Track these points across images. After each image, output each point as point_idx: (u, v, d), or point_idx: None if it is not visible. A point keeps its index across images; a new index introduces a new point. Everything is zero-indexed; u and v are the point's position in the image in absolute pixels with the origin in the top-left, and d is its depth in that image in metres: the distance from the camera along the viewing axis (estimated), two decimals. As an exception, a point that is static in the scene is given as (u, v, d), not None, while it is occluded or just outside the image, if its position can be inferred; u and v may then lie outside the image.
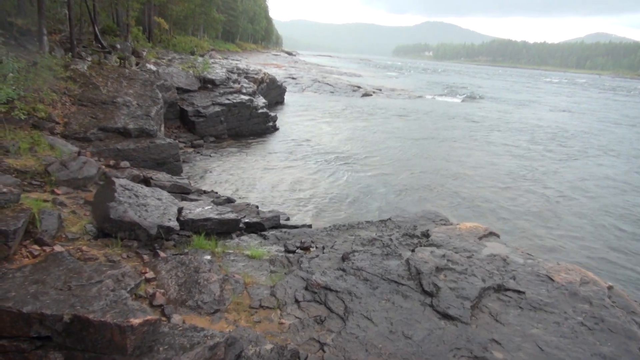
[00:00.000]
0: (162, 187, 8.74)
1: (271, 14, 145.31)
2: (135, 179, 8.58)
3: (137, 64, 19.41)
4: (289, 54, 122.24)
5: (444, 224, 7.12)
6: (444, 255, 5.68)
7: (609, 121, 36.45)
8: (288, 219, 9.80)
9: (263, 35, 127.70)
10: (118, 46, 21.07)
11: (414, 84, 62.39)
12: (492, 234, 6.69)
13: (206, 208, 7.45)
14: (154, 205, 6.47)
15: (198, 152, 15.35)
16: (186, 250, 5.99)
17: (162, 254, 5.62)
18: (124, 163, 9.30)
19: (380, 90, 45.30)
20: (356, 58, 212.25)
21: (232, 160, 15.10)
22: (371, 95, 40.72)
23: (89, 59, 16.99)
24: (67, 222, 5.88)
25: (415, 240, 6.41)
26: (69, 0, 16.89)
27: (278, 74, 37.27)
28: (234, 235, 7.36)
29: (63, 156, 8.37)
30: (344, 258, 5.77)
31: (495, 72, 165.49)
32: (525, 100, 50.68)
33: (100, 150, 9.84)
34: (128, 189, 6.53)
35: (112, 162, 9.34)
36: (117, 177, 8.18)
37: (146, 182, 8.73)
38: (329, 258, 5.89)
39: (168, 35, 41.25)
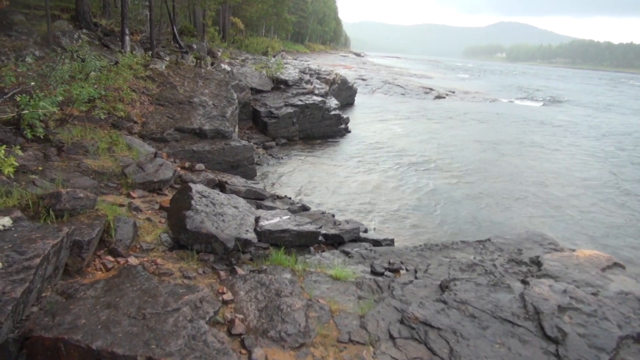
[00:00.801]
0: (237, 193, 8.35)
1: (340, 15, 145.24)
2: (210, 183, 8.25)
3: (212, 64, 19.51)
4: (357, 55, 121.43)
5: (554, 249, 6.15)
6: (565, 291, 4.77)
7: None
8: (366, 230, 9.13)
9: (332, 36, 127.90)
10: (194, 46, 21.34)
11: (488, 87, 59.63)
12: (616, 264, 5.66)
13: (284, 218, 6.93)
14: (230, 215, 6.02)
15: (270, 154, 15.04)
16: (264, 267, 5.46)
17: (239, 271, 5.13)
18: (199, 165, 9.01)
19: (454, 92, 43.51)
20: (425, 59, 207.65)
21: (304, 163, 14.65)
22: (444, 97, 39.16)
23: (167, 58, 17.20)
24: (142, 230, 5.54)
25: (524, 269, 5.51)
26: (150, 2, 17.19)
27: (347, 75, 36.65)
28: (312, 249, 6.79)
29: (140, 157, 8.19)
30: (444, 287, 5.01)
31: (574, 74, 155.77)
32: (611, 104, 46.82)
33: (176, 151, 9.64)
34: (205, 196, 6.12)
35: (187, 164, 9.09)
36: (193, 182, 7.88)
37: (221, 186, 8.38)
38: (425, 285, 5.15)
39: (241, 36, 41.91)
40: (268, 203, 8.73)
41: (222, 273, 5.03)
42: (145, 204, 6.75)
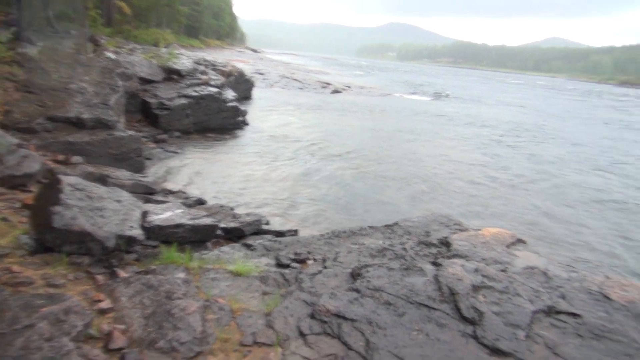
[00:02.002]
0: (122, 187, 7.40)
1: (236, 12, 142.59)
2: (89, 176, 7.21)
3: (94, 52, 17.70)
4: (254, 51, 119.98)
5: (460, 229, 6.13)
6: (476, 270, 4.66)
7: (576, 118, 36.86)
8: (267, 222, 8.62)
9: (227, 31, 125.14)
10: (74, 32, 19.24)
11: (381, 83, 61.93)
12: (519, 240, 5.74)
13: (177, 212, 6.19)
14: (112, 209, 5.19)
15: (162, 148, 13.90)
16: (153, 267, 4.74)
17: (121, 274, 4.37)
18: (76, 158, 7.90)
19: (350, 87, 44.42)
20: (321, 57, 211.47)
21: (200, 156, 13.75)
22: (341, 92, 39.77)
23: (41, 43, 15.24)
24: (-5, 232, 4.55)
25: (434, 250, 5.37)
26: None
27: (245, 69, 35.75)
28: (209, 245, 6.15)
29: (-1, 149, 6.93)
30: (355, 274, 4.67)
31: (457, 72, 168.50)
32: (487, 99, 51.13)
33: (48, 143, 8.37)
34: (79, 189, 5.21)
35: (61, 157, 7.91)
36: (67, 175, 6.81)
37: (102, 180, 7.37)
38: (335, 274, 4.77)
39: (129, 26, 39.10)
40: (159, 198, 7.88)
41: (99, 277, 4.24)
42: (4, 202, 5.66)
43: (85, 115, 9.26)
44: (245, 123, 19.44)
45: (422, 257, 5.22)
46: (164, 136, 15.07)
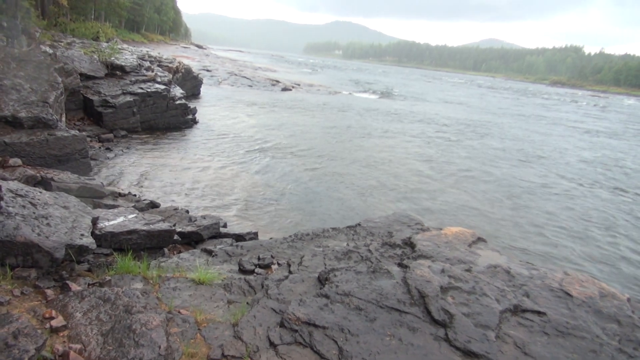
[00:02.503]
0: (68, 191, 6.92)
1: (179, 5, 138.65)
2: (30, 180, 6.69)
3: (28, 46, 16.57)
4: (199, 47, 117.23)
5: (422, 229, 6.15)
6: (443, 271, 4.66)
7: (514, 115, 38.58)
8: (225, 225, 8.37)
9: (171, 26, 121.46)
10: (4, 24, 17.92)
11: (330, 81, 62.23)
12: (480, 239, 5.82)
13: (130, 217, 5.83)
14: (59, 217, 4.79)
15: (107, 148, 13.21)
16: (108, 277, 4.42)
17: (74, 287, 4.03)
18: (14, 160, 7.30)
19: (299, 85, 44.27)
20: (268, 54, 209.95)
21: (149, 156, 13.18)
22: (290, 90, 39.56)
23: (-34, 36, 14.10)
24: None
25: (399, 251, 5.34)
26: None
27: (192, 65, 34.77)
28: (166, 251, 5.84)
29: None
30: (323, 279, 4.55)
31: (402, 71, 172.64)
32: (430, 96, 52.65)
33: (-19, 144, 7.69)
34: (21, 196, 4.78)
35: (-3, 160, 7.29)
36: (5, 179, 6.27)
37: (45, 184, 6.86)
38: (302, 279, 4.63)
39: (65, 18, 37.08)
40: (109, 202, 7.42)
41: (49, 292, 3.88)
42: None
43: (23, 114, 8.58)
44: (194, 121, 18.88)
45: (387, 259, 5.17)
46: (110, 135, 14.34)
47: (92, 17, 52.94)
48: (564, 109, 57.46)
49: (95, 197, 7.23)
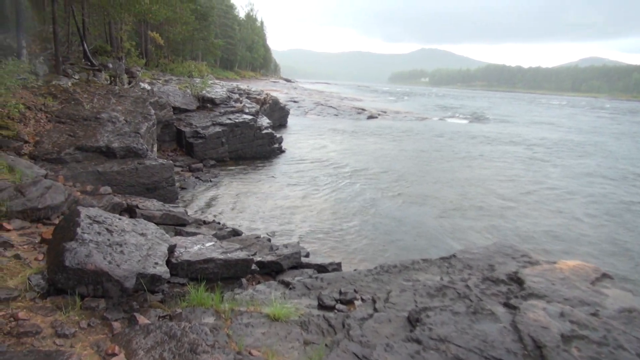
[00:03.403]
0: (151, 218, 6.91)
1: (269, 43, 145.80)
2: (116, 207, 6.75)
3: (129, 83, 17.81)
4: (288, 81, 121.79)
5: (530, 262, 5.26)
6: (562, 314, 3.81)
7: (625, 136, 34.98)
8: (307, 254, 7.94)
9: (261, 63, 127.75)
10: (110, 65, 19.50)
11: (417, 107, 61.13)
12: (605, 275, 4.82)
13: (207, 245, 5.59)
14: (134, 244, 4.62)
15: (197, 177, 13.53)
16: (179, 310, 4.12)
17: (142, 320, 3.74)
18: (105, 189, 7.48)
19: (385, 112, 43.83)
20: (354, 85, 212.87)
21: (235, 185, 13.28)
22: (377, 117, 39.20)
23: (77, 76, 15.39)
24: (5, 272, 4.03)
25: (504, 288, 4.53)
26: (53, 14, 15.35)
27: (279, 97, 35.80)
28: (244, 282, 5.49)
29: (23, 180, 6.56)
30: (413, 320, 3.89)
31: (492, 96, 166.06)
32: (534, 121, 49.41)
33: (77, 173, 8.02)
34: (99, 222, 4.68)
35: (89, 188, 7.51)
36: (92, 206, 6.36)
37: (131, 211, 6.90)
38: (389, 319, 4.01)
39: (165, 60, 40.03)
40: (191, 229, 7.33)
41: (116, 324, 3.62)
42: (23, 237, 5.20)
43: (115, 144, 8.92)
44: (281, 150, 19.03)
45: (490, 297, 4.39)
46: (199, 165, 14.74)
47: (190, 57, 56.94)
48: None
49: (178, 224, 7.16)
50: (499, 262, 5.31)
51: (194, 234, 6.81)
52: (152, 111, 12.10)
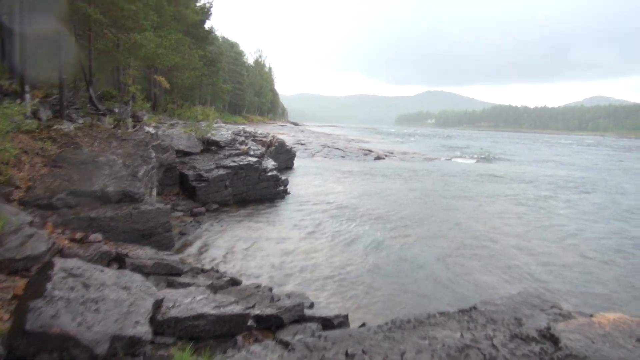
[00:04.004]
0: (142, 268, 6.39)
1: (277, 88, 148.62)
2: (104, 257, 6.26)
3: (134, 127, 17.66)
4: (295, 124, 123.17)
5: (561, 314, 4.65)
6: (612, 384, 3.19)
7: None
8: (312, 305, 7.32)
9: (269, 107, 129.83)
10: (116, 110, 19.47)
11: (424, 148, 61.02)
12: (651, 331, 4.19)
13: (198, 298, 5.06)
14: (113, 300, 4.09)
15: (198, 222, 13.07)
16: (159, 381, 3.55)
17: (112, 394, 3.19)
18: (95, 236, 7.01)
19: (392, 153, 43.62)
20: (360, 127, 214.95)
21: (239, 230, 12.77)
22: (384, 158, 38.92)
23: (81, 121, 15.26)
24: (-40, 336, 3.52)
25: (536, 348, 3.92)
26: (60, 59, 15.41)
27: (286, 140, 35.76)
28: (239, 340, 4.90)
29: (6, 227, 6.11)
30: (433, 392, 3.29)
31: (499, 136, 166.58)
32: (540, 159, 48.98)
33: (68, 219, 7.58)
34: (74, 275, 4.18)
35: (78, 236, 7.05)
36: (77, 256, 5.88)
37: (120, 260, 6.40)
38: (405, 390, 3.41)
39: (174, 105, 40.40)
40: (185, 279, 6.78)
41: (80, 402, 3.07)
42: (-5, 292, 4.70)
43: (111, 188, 8.52)
44: (286, 192, 18.60)
45: (521, 359, 3.78)
46: (202, 209, 14.30)
47: (199, 102, 57.76)
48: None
49: (171, 273, 6.63)
50: (526, 314, 4.70)
51: (188, 284, 6.27)
52: (153, 154, 11.78)
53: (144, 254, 6.79)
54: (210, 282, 7.01)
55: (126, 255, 6.49)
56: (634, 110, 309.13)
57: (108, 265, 6.24)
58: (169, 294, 5.07)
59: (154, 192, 11.59)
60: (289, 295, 7.13)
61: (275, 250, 11.07)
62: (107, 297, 4.09)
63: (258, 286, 7.37)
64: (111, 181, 8.83)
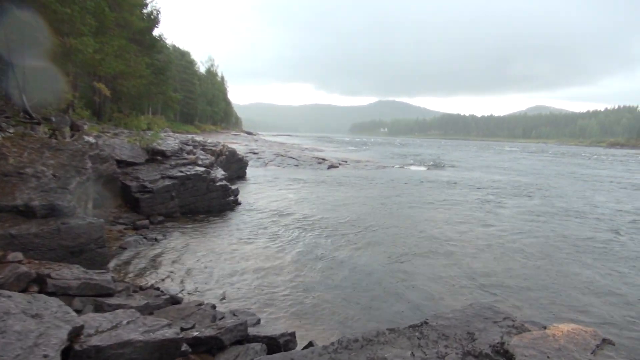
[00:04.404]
0: (66, 289, 5.76)
1: (230, 97, 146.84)
2: (21, 279, 5.58)
3: (72, 137, 16.63)
4: (249, 133, 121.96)
5: (514, 327, 4.44)
6: (570, 403, 2.96)
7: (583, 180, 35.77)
8: (259, 321, 6.89)
9: (222, 116, 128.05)
10: (53, 119, 18.30)
11: (377, 156, 61.67)
12: (606, 341, 4.03)
13: (125, 322, 4.52)
14: (17, 332, 3.54)
15: (141, 235, 12.32)
16: None
17: None
18: (14, 255, 6.30)
19: (346, 161, 43.70)
20: (315, 136, 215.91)
21: (184, 243, 12.13)
22: (337, 167, 38.88)
23: (11, 130, 14.16)
24: None
25: (491, 365, 3.67)
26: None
27: (239, 149, 35.07)
28: (172, 368, 4.41)
29: None
30: (381, 422, 2.95)
31: (449, 144, 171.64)
32: (486, 165, 50.57)
33: (-16, 238, 6.81)
34: (-30, 304, 3.60)
35: (-5, 255, 6.31)
36: (-13, 279, 5.20)
37: (40, 282, 5.75)
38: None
39: (121, 114, 38.90)
40: (117, 300, 6.17)
41: None
42: None
43: (36, 202, 7.76)
44: (237, 203, 18.02)
45: (476, 377, 3.52)
46: (145, 222, 13.54)
47: (149, 111, 56.03)
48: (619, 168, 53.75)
49: (100, 295, 6.02)
50: (478, 328, 4.46)
51: (118, 306, 5.69)
52: (89, 164, 10.99)
53: (70, 273, 6.14)
54: (146, 301, 6.45)
55: (48, 275, 5.83)
56: (573, 118, 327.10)
57: (26, 288, 5.57)
58: (92, 318, 4.51)
59: (90, 205, 10.79)
60: (234, 313, 6.67)
61: (222, 263, 10.54)
62: (9, 329, 3.54)
63: (200, 304, 6.86)
64: (37, 194, 8.06)
